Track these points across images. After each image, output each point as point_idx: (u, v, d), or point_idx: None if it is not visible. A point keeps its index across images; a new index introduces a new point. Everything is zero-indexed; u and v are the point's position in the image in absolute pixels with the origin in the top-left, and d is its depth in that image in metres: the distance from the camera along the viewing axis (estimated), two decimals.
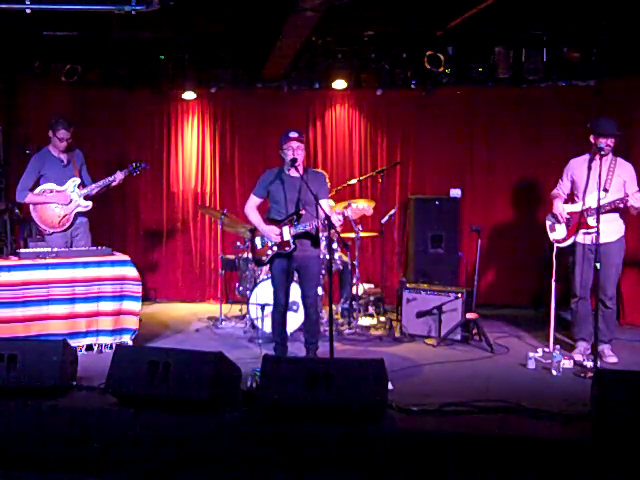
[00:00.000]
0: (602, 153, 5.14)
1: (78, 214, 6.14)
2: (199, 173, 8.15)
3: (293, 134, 5.24)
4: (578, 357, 5.46)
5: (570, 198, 5.72)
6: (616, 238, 5.44)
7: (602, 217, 5.05)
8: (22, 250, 5.73)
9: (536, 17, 6.45)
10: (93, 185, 6.16)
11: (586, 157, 5.52)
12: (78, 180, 6.14)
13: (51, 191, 6.06)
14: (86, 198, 6.14)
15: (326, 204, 5.29)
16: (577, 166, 5.59)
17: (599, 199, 5.02)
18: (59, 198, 6.06)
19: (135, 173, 6.29)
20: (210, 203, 8.09)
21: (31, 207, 6.08)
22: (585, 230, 5.43)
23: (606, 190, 5.29)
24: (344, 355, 5.56)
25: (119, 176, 6.15)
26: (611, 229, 5.35)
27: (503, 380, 5.07)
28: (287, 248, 5.28)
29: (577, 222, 5.49)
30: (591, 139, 5.41)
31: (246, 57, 7.48)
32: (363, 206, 5.23)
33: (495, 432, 3.89)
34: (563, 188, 5.72)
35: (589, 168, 5.42)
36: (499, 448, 3.73)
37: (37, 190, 6.06)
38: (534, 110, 7.62)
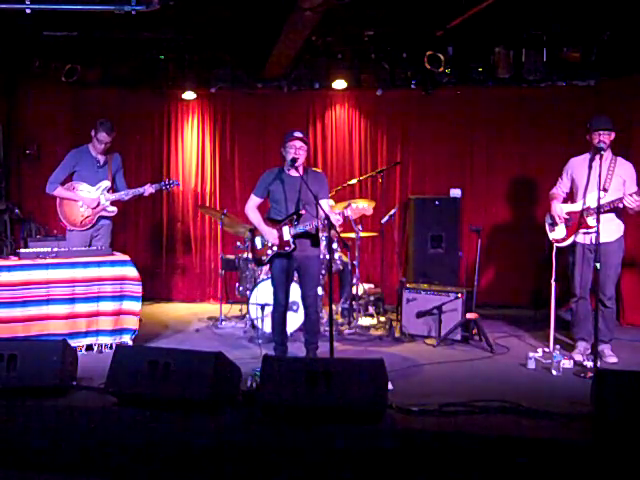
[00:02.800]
0: (601, 152, 5.14)
1: (101, 217, 6.18)
2: (199, 173, 8.15)
3: (297, 133, 5.24)
4: (578, 357, 5.46)
5: (569, 197, 5.72)
6: (615, 238, 5.44)
7: (601, 217, 5.05)
8: (22, 250, 5.73)
9: (536, 17, 6.45)
10: (123, 192, 6.22)
11: (586, 156, 5.52)
12: (108, 184, 6.18)
13: (81, 189, 6.11)
14: (112, 203, 6.18)
15: (326, 204, 5.29)
16: (577, 165, 5.60)
17: (599, 199, 5.02)
18: (87, 198, 6.10)
19: (166, 189, 6.42)
20: (210, 203, 8.10)
21: (57, 201, 6.13)
22: (585, 230, 5.43)
23: (605, 190, 5.29)
24: (344, 355, 5.57)
25: (149, 189, 6.23)
26: (610, 229, 5.34)
27: (503, 380, 5.08)
28: (287, 248, 5.28)
29: (577, 222, 5.49)
30: (587, 138, 5.42)
31: (246, 57, 7.48)
32: (363, 206, 5.22)
33: (495, 432, 3.89)
34: (562, 187, 5.72)
35: (589, 167, 5.42)
36: (499, 448, 3.73)
37: (67, 185, 6.12)
38: (534, 110, 7.62)
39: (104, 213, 6.19)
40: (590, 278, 5.48)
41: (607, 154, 5.32)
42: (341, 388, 3.94)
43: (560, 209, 5.61)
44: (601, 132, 5.30)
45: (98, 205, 6.13)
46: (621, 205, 5.34)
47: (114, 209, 6.23)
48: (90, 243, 6.14)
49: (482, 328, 6.07)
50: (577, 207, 5.51)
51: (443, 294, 6.32)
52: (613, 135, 5.37)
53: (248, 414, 4.09)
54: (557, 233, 5.65)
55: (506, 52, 7.08)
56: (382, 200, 7.18)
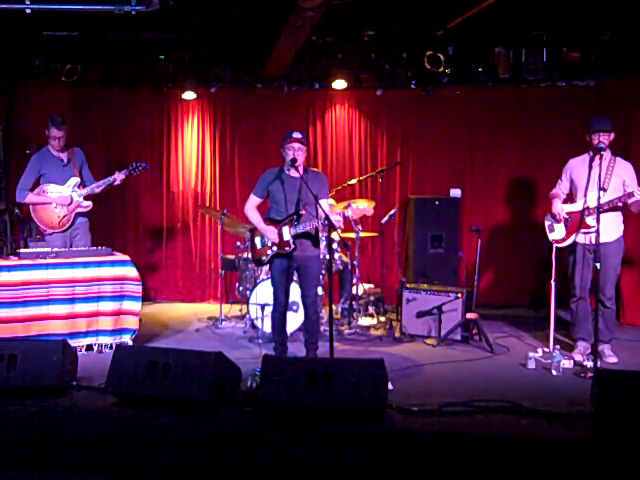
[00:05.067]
0: (601, 152, 5.15)
1: (78, 214, 6.14)
2: (199, 173, 8.15)
3: (296, 134, 5.23)
4: (578, 357, 5.46)
5: (569, 198, 5.72)
6: (614, 238, 5.44)
7: (601, 217, 5.05)
8: (22, 250, 5.74)
9: (536, 17, 6.45)
10: (94, 185, 6.15)
11: (585, 157, 5.52)
12: (78, 180, 6.13)
13: (51, 191, 6.07)
14: (86, 198, 6.15)
15: (326, 204, 5.29)
16: (576, 166, 5.60)
17: (599, 198, 5.02)
18: (59, 198, 6.06)
19: (135, 173, 6.28)
20: (210, 203, 8.09)
21: (31, 207, 6.08)
22: (584, 230, 5.43)
23: (604, 189, 5.29)
24: (344, 355, 5.57)
25: (119, 176, 6.14)
26: (609, 229, 5.34)
27: (503, 380, 5.08)
28: (287, 248, 5.28)
29: (576, 222, 5.49)
30: (587, 139, 5.42)
31: (246, 57, 7.47)
32: (363, 206, 5.23)
33: (495, 432, 3.89)
34: (562, 188, 5.73)
35: (588, 168, 5.41)
36: (499, 448, 3.73)
37: (37, 190, 6.06)
38: (534, 110, 7.62)
39: (80, 209, 6.13)
40: (590, 278, 5.48)
41: (606, 154, 5.32)
42: (341, 388, 3.94)
43: (561, 207, 5.61)
44: (601, 133, 5.30)
45: (72, 203, 6.10)
46: (620, 204, 5.35)
47: (89, 203, 6.16)
48: (71, 244, 6.10)
49: (482, 328, 6.07)
50: (577, 207, 5.51)
51: (443, 294, 6.32)
52: (612, 136, 5.37)
53: (248, 414, 4.09)
54: (557, 233, 5.65)
55: (506, 52, 7.07)
56: (382, 200, 7.18)
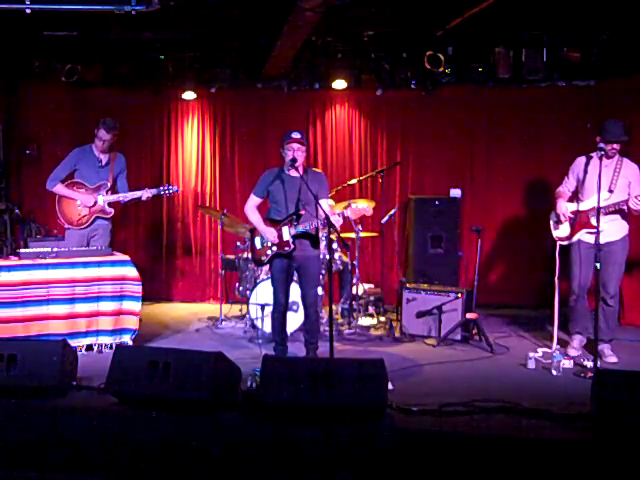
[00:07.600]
0: (609, 155, 5.16)
1: (98, 217, 6.17)
2: (199, 173, 8.15)
3: (295, 135, 5.23)
4: (573, 352, 5.48)
5: (575, 196, 5.71)
6: (620, 237, 5.45)
7: (606, 217, 5.05)
8: (22, 250, 5.73)
9: (536, 17, 6.45)
10: (121, 194, 6.20)
11: (592, 156, 5.49)
12: (109, 185, 6.17)
13: (79, 188, 6.11)
14: (110, 205, 6.17)
15: (326, 204, 5.29)
16: (583, 164, 5.57)
17: (599, 199, 5.02)
18: (84, 197, 6.08)
19: (165, 194, 6.34)
20: (210, 203, 8.09)
21: (57, 198, 6.14)
22: (588, 230, 5.42)
23: (611, 191, 5.31)
24: (344, 355, 5.56)
25: (146, 193, 6.19)
26: (615, 228, 5.37)
27: (503, 380, 5.08)
28: (287, 248, 5.28)
29: (581, 221, 5.48)
30: (597, 139, 5.37)
31: (246, 57, 7.48)
32: (363, 206, 5.23)
33: (495, 432, 3.89)
34: (568, 186, 5.71)
35: (586, 171, 5.42)
36: (499, 448, 3.73)
37: (68, 183, 6.12)
38: (534, 110, 7.62)
39: (101, 214, 6.17)
40: (591, 277, 5.47)
41: (613, 157, 5.33)
42: (341, 388, 3.94)
43: (565, 208, 5.60)
44: (614, 143, 5.29)
45: (95, 205, 6.12)
46: (625, 207, 5.34)
47: (111, 210, 6.20)
48: (88, 243, 6.12)
49: (482, 328, 6.07)
50: (582, 206, 5.50)
51: (443, 294, 6.32)
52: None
53: (248, 414, 4.09)
54: (561, 231, 5.64)
55: (506, 52, 7.08)
56: (382, 200, 7.18)
